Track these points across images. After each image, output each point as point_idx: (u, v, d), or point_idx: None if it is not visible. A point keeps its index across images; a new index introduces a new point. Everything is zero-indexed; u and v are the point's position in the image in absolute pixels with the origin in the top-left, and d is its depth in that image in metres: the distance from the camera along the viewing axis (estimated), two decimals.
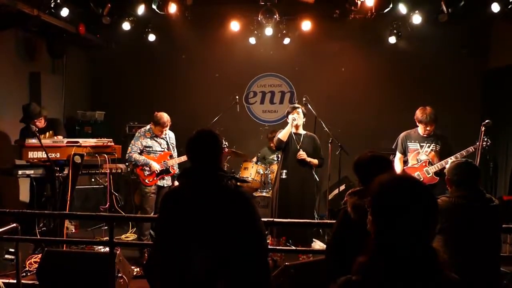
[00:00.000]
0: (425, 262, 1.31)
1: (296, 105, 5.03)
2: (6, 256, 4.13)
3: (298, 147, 4.75)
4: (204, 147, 2.07)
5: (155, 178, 4.91)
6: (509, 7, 5.55)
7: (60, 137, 4.79)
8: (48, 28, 5.93)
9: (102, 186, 5.83)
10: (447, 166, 2.87)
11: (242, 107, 7.00)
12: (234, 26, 6.67)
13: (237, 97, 6.19)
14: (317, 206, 5.56)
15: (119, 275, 3.34)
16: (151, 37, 6.82)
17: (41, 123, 5.11)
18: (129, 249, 4.96)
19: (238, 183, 2.09)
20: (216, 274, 1.91)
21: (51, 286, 3.34)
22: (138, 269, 4.08)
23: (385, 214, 1.36)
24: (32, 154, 4.40)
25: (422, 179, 4.23)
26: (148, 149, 4.96)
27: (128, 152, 4.94)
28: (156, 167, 4.88)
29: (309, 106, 5.27)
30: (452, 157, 4.21)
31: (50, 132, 5.05)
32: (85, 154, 4.52)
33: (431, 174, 4.34)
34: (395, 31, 6.48)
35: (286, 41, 6.86)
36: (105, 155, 4.66)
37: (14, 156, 4.71)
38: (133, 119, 6.86)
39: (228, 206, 1.97)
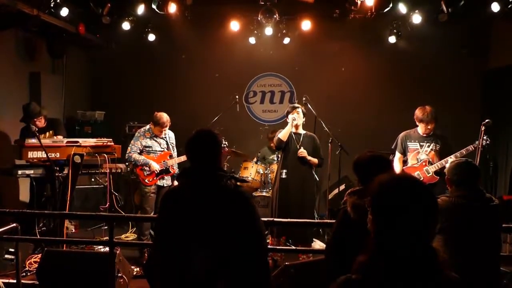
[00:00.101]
0: (425, 262, 1.31)
1: (296, 104, 5.03)
2: (6, 256, 4.13)
3: (298, 146, 4.75)
4: (204, 147, 2.07)
5: (154, 178, 4.91)
6: (509, 6, 5.54)
7: (60, 137, 4.79)
8: (48, 28, 5.93)
9: (102, 186, 5.84)
10: (447, 165, 2.87)
11: (242, 107, 7.00)
12: (234, 26, 6.67)
13: (237, 96, 6.19)
14: (317, 205, 5.56)
15: (119, 275, 3.34)
16: (151, 37, 6.82)
17: (41, 122, 5.11)
18: (129, 249, 4.96)
19: (238, 183, 2.09)
20: (216, 274, 1.91)
21: (51, 286, 3.34)
22: (138, 269, 4.08)
23: (385, 214, 1.36)
24: (32, 154, 4.40)
25: (422, 179, 4.23)
26: (147, 149, 4.96)
27: (127, 152, 4.93)
28: (156, 167, 4.88)
29: (309, 106, 5.27)
30: (452, 156, 4.21)
31: (50, 132, 5.05)
32: (85, 154, 4.52)
33: (431, 174, 4.34)
34: (395, 30, 6.48)
35: (286, 40, 6.86)
36: (105, 155, 4.66)
37: (14, 156, 4.71)
38: (133, 119, 6.86)
39: (228, 206, 1.97)
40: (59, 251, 3.80)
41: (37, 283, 3.46)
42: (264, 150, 6.39)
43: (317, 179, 5.07)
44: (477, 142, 4.27)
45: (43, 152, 4.32)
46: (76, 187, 4.76)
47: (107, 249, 3.70)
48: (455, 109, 6.49)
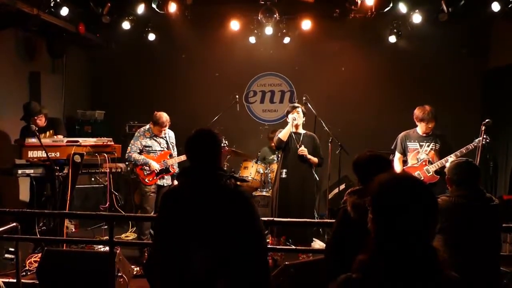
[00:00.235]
0: (425, 261, 1.31)
1: (296, 104, 5.02)
2: (6, 255, 4.14)
3: (298, 146, 4.75)
4: (203, 146, 2.07)
5: (154, 178, 4.91)
6: (509, 6, 5.53)
7: (60, 137, 4.79)
8: (48, 27, 5.93)
9: (102, 185, 5.84)
10: (447, 164, 2.87)
11: (242, 106, 7.00)
12: (234, 25, 6.67)
13: (237, 96, 6.19)
14: (317, 205, 5.55)
15: (119, 274, 3.34)
16: (151, 37, 6.82)
17: (41, 121, 5.11)
18: (129, 248, 4.97)
19: (238, 183, 2.09)
20: (215, 273, 1.91)
21: (51, 285, 3.34)
22: (138, 268, 4.08)
23: (385, 213, 1.36)
24: (32, 154, 4.40)
25: (422, 178, 4.23)
26: (147, 148, 4.95)
27: (127, 152, 4.93)
28: (156, 166, 4.88)
29: (309, 105, 5.27)
30: (452, 155, 4.23)
31: (51, 131, 5.05)
32: (85, 154, 4.52)
33: (431, 173, 4.34)
34: (395, 30, 6.48)
35: (286, 40, 6.86)
36: (105, 154, 4.66)
37: (14, 156, 4.71)
38: (133, 119, 6.86)
39: (227, 205, 1.97)
40: (59, 251, 3.80)
41: (37, 282, 3.45)
42: (264, 150, 6.38)
43: (317, 178, 5.07)
44: (477, 140, 4.27)
45: (43, 151, 4.32)
46: (76, 186, 4.76)
47: (107, 248, 3.70)
48: (455, 109, 6.49)
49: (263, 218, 2.86)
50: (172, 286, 2.01)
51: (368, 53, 6.98)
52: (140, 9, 6.31)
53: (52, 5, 5.63)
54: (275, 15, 6.26)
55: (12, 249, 3.95)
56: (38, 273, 3.40)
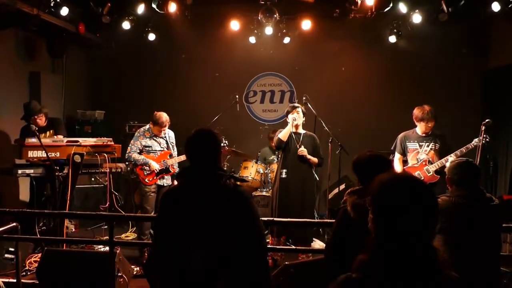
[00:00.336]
0: (425, 261, 1.31)
1: (296, 104, 5.02)
2: (6, 255, 4.14)
3: (298, 146, 4.75)
4: (203, 146, 2.07)
5: (154, 178, 4.91)
6: (510, 6, 5.53)
7: (60, 137, 4.79)
8: (48, 27, 5.93)
9: (102, 185, 5.84)
10: (447, 164, 2.87)
11: (242, 106, 7.00)
12: (234, 25, 6.67)
13: (237, 96, 6.19)
14: (317, 205, 5.55)
15: (119, 274, 3.34)
16: (151, 37, 6.82)
17: (41, 120, 5.12)
18: (129, 248, 4.97)
19: (238, 182, 2.09)
20: (215, 273, 1.91)
21: (51, 285, 3.34)
22: (138, 268, 4.08)
23: (385, 213, 1.36)
24: (32, 153, 4.40)
25: (422, 178, 4.23)
26: (147, 148, 4.95)
27: (127, 152, 4.93)
28: (156, 166, 4.88)
29: (309, 105, 5.27)
30: (452, 154, 4.23)
31: (51, 131, 5.06)
32: (85, 154, 4.52)
33: (431, 173, 4.34)
34: (395, 30, 6.48)
35: (286, 40, 6.86)
36: (105, 154, 4.66)
37: (14, 156, 4.71)
38: (133, 119, 6.85)
39: (227, 205, 1.97)
40: (59, 251, 3.80)
41: (37, 282, 3.45)
42: (265, 150, 6.38)
43: (317, 178, 5.07)
44: (476, 139, 4.28)
45: (43, 151, 4.32)
46: (76, 186, 4.76)
47: (107, 248, 3.71)
48: (455, 109, 6.49)
49: (263, 218, 2.86)
50: (172, 286, 2.01)
51: (368, 53, 6.97)
52: (140, 9, 6.31)
53: (52, 5, 5.64)
54: (275, 15, 6.26)
55: (12, 249, 3.95)
56: (38, 273, 3.40)
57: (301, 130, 4.90)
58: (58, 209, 4.33)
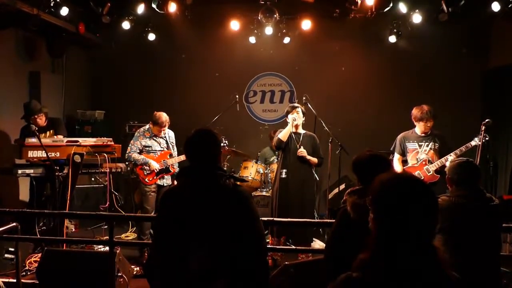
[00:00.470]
0: (425, 261, 1.31)
1: (296, 104, 5.02)
2: (6, 255, 4.13)
3: (298, 146, 4.75)
4: (203, 146, 2.07)
5: (154, 177, 4.91)
6: (510, 6, 5.54)
7: (60, 136, 4.79)
8: (48, 27, 5.92)
9: (102, 185, 5.84)
10: (447, 164, 2.87)
11: (242, 106, 7.00)
12: (234, 25, 6.67)
13: (237, 96, 6.19)
14: (317, 205, 5.55)
15: (119, 274, 3.34)
16: (151, 37, 6.82)
17: (41, 120, 5.11)
18: (129, 248, 4.97)
19: (237, 182, 2.09)
20: (215, 273, 1.91)
21: (51, 285, 3.33)
22: (138, 268, 4.08)
23: (385, 213, 1.36)
24: (32, 153, 4.40)
25: (422, 178, 4.23)
26: (147, 148, 4.96)
27: (127, 152, 4.93)
28: (155, 166, 4.88)
29: (309, 105, 5.26)
30: (452, 153, 4.24)
31: (51, 131, 5.05)
32: (85, 153, 4.52)
33: (431, 172, 4.34)
34: (395, 30, 6.48)
35: (286, 40, 6.86)
36: (105, 154, 4.66)
37: (14, 155, 4.71)
38: (133, 118, 6.85)
39: (227, 205, 1.97)
40: (59, 251, 3.79)
41: (37, 282, 3.45)
42: (265, 150, 6.37)
43: (317, 178, 5.07)
44: (476, 138, 4.28)
45: (43, 151, 4.31)
46: (76, 186, 4.76)
47: (107, 248, 3.71)
48: (455, 109, 6.49)
49: (263, 218, 2.86)
50: (172, 286, 2.01)
51: (368, 53, 6.97)
52: (140, 9, 6.31)
53: (52, 5, 5.63)
54: (275, 15, 6.26)
55: (12, 249, 3.95)
56: (38, 273, 3.40)
57: (301, 130, 4.89)
58: (58, 209, 4.32)
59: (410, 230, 1.32)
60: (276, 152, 5.91)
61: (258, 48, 7.10)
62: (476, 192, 2.65)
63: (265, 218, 3.34)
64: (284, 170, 4.79)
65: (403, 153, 4.55)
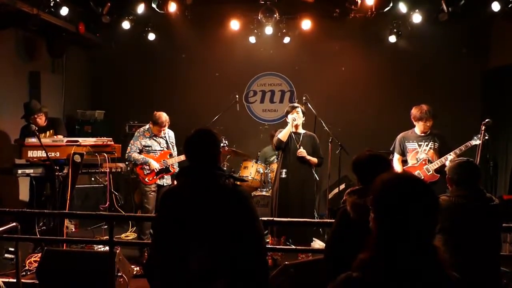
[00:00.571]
0: (425, 261, 1.31)
1: (296, 104, 5.02)
2: (6, 255, 4.14)
3: (298, 146, 4.75)
4: (202, 146, 2.07)
5: (154, 177, 4.91)
6: (510, 6, 5.53)
7: (60, 136, 4.79)
8: (48, 27, 5.92)
9: (102, 185, 5.84)
10: (447, 163, 2.87)
11: (242, 106, 7.00)
12: (234, 25, 6.67)
13: (237, 96, 6.19)
14: (317, 205, 5.55)
15: (119, 274, 3.34)
16: (151, 36, 6.82)
17: (41, 120, 5.11)
18: (129, 248, 4.97)
19: (237, 182, 2.09)
20: (215, 273, 1.91)
21: (51, 285, 3.33)
22: (138, 268, 4.08)
23: (386, 213, 1.36)
24: (32, 153, 4.40)
25: (422, 177, 4.23)
26: (147, 148, 4.96)
27: (127, 152, 4.94)
28: (155, 165, 4.88)
29: (309, 105, 5.26)
30: (451, 153, 4.25)
31: (51, 131, 5.05)
32: (84, 153, 4.52)
33: (431, 172, 4.35)
34: (395, 30, 6.48)
35: (286, 40, 6.86)
36: (105, 154, 4.66)
37: (14, 155, 4.71)
38: (133, 118, 6.85)
39: (227, 205, 1.97)
40: (59, 251, 3.79)
41: (37, 282, 3.45)
42: (266, 150, 6.36)
43: (317, 178, 5.07)
44: (475, 137, 4.28)
45: (43, 151, 4.31)
46: (76, 186, 4.76)
47: (107, 248, 3.70)
48: (455, 109, 6.49)
49: (263, 218, 2.86)
50: (172, 286, 2.01)
51: (368, 53, 6.97)
52: (140, 9, 6.31)
53: (52, 4, 5.63)
54: (275, 15, 6.26)
55: (12, 249, 3.95)
56: (38, 273, 3.40)
57: (301, 130, 4.89)
58: (58, 209, 4.32)
59: (410, 230, 1.32)
60: (276, 152, 5.92)
61: (258, 48, 7.10)
62: (476, 192, 2.65)
63: (265, 218, 3.34)
64: (284, 170, 4.79)
65: (403, 153, 4.55)
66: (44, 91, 6.39)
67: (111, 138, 4.82)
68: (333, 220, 2.43)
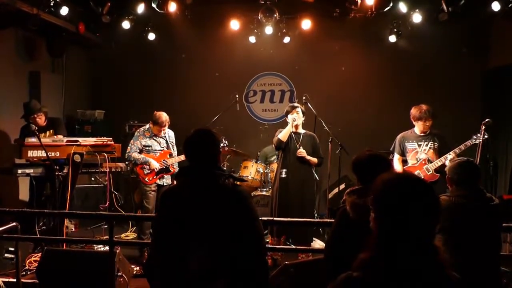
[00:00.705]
0: (425, 261, 1.31)
1: (295, 104, 5.01)
2: (6, 255, 4.13)
3: (298, 146, 4.75)
4: (202, 146, 2.07)
5: (154, 177, 4.91)
6: (510, 6, 5.54)
7: (60, 136, 4.79)
8: (48, 27, 5.92)
9: (102, 185, 5.83)
10: (447, 163, 2.87)
11: (242, 106, 7.00)
12: (234, 25, 6.67)
13: (237, 96, 6.19)
14: (317, 205, 5.55)
15: (119, 274, 3.34)
16: (151, 36, 6.82)
17: (41, 119, 5.11)
18: (129, 248, 4.97)
19: (237, 182, 2.09)
20: (215, 273, 1.91)
21: (51, 285, 3.33)
22: (138, 268, 4.08)
23: (386, 212, 1.36)
24: (31, 153, 4.40)
25: (422, 177, 4.23)
26: (147, 148, 4.96)
27: (127, 151, 4.94)
28: (155, 165, 4.88)
29: (309, 105, 5.26)
30: (451, 152, 4.25)
31: (51, 131, 5.05)
32: (84, 153, 4.52)
33: (431, 172, 4.35)
34: (395, 30, 6.47)
35: (286, 40, 6.86)
36: (105, 154, 4.66)
37: (14, 155, 4.71)
38: (133, 118, 6.85)
39: (226, 204, 1.97)
40: (59, 250, 3.79)
41: (37, 282, 3.45)
42: (267, 149, 6.36)
43: (317, 178, 5.07)
44: (474, 137, 4.29)
45: (43, 151, 4.31)
46: (76, 186, 4.76)
47: (107, 248, 3.70)
48: (455, 109, 6.49)
49: (263, 218, 2.86)
50: (172, 286, 2.01)
51: (368, 53, 6.97)
52: (140, 8, 6.31)
53: (52, 4, 5.63)
54: (275, 15, 6.26)
55: (12, 249, 3.94)
56: (38, 273, 3.40)
57: (301, 130, 4.90)
58: (58, 209, 4.32)
59: (411, 229, 1.32)
60: (276, 152, 5.92)
61: (258, 48, 7.10)
62: (476, 192, 2.65)
63: (265, 218, 3.34)
64: (284, 170, 4.79)
65: (403, 153, 4.56)
66: (44, 91, 6.38)
67: (111, 138, 4.82)
68: (333, 220, 2.43)
